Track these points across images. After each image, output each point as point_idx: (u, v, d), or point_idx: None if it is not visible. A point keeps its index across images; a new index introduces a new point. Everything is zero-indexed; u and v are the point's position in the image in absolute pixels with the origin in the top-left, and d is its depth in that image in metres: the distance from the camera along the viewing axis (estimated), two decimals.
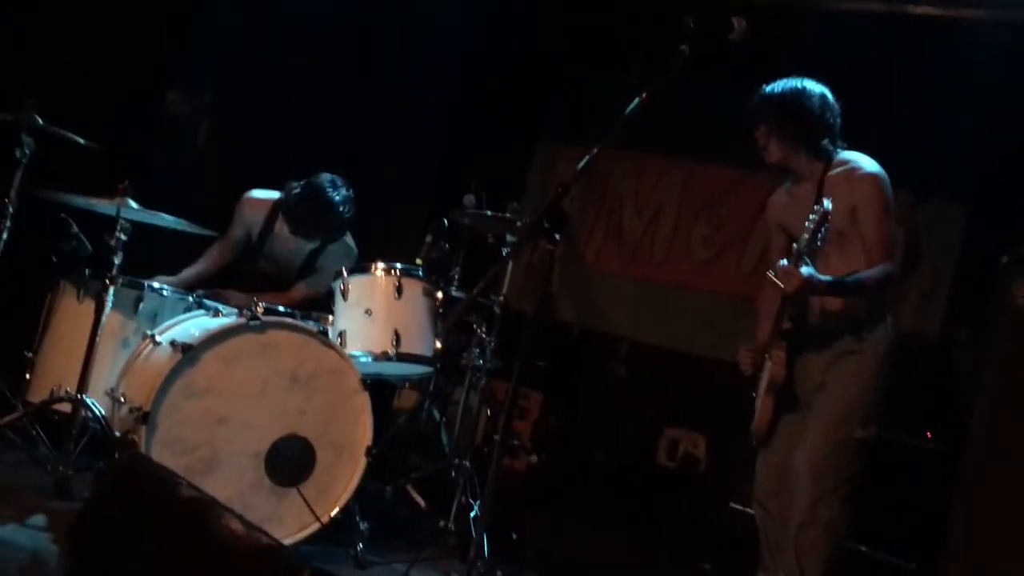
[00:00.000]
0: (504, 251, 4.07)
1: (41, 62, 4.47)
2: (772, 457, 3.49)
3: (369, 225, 5.07)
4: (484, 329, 4.26)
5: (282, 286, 4.44)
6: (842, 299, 3.32)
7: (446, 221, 4.10)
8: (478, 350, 4.19)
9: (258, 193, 4.49)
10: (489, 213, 4.23)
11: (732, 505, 4.84)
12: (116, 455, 3.30)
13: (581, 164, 2.95)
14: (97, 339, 3.59)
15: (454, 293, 4.35)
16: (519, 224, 3.89)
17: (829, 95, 3.41)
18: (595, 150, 2.97)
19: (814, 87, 3.41)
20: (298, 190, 4.21)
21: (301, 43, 5.40)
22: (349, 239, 4.48)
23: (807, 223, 3.10)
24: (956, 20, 4.47)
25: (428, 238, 4.05)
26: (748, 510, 4.06)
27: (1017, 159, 4.69)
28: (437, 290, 3.91)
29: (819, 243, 3.09)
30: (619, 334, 6.55)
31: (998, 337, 4.40)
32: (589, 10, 5.53)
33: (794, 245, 3.18)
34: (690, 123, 6.00)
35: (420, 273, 3.88)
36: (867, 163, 3.35)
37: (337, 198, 4.18)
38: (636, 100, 2.96)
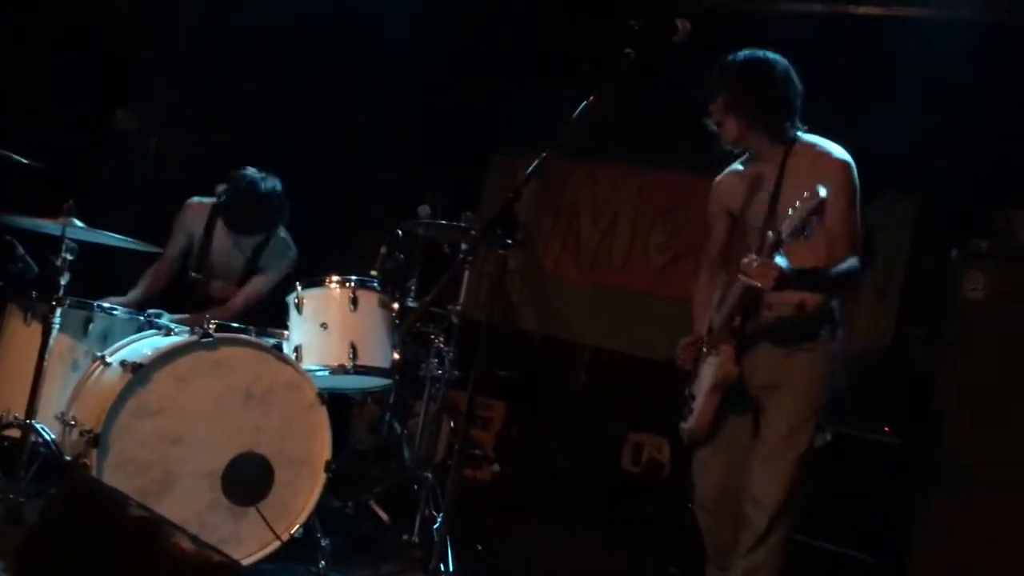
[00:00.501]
0: (460, 260, 4.04)
1: None
2: (715, 459, 3.24)
3: (324, 238, 5.04)
4: (442, 339, 4.23)
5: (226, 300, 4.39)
6: (798, 294, 3.05)
7: (400, 232, 4.07)
8: (436, 360, 4.16)
9: (197, 199, 4.46)
10: (443, 222, 4.21)
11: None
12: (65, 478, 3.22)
13: (531, 168, 2.95)
14: (45, 363, 3.51)
15: (411, 304, 4.32)
16: (472, 231, 3.86)
17: (793, 71, 3.15)
18: (544, 154, 2.98)
19: (778, 59, 3.14)
20: (228, 186, 4.23)
21: (252, 56, 5.36)
22: (285, 234, 4.45)
23: (791, 211, 2.80)
24: (901, 19, 4.52)
25: (383, 249, 4.02)
26: None
27: (964, 153, 4.75)
28: (393, 301, 3.87)
29: (807, 234, 2.80)
30: (580, 341, 6.56)
31: (952, 333, 4.48)
32: (540, 20, 5.54)
33: (768, 234, 2.88)
34: (643, 129, 6.03)
35: (376, 285, 3.85)
36: (836, 149, 3.08)
37: (267, 186, 4.20)
38: (584, 104, 2.96)
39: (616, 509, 5.60)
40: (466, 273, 4.14)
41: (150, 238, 4.00)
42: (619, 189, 6.61)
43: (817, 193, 2.74)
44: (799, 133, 3.14)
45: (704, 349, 3.20)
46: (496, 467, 5.40)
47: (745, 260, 2.89)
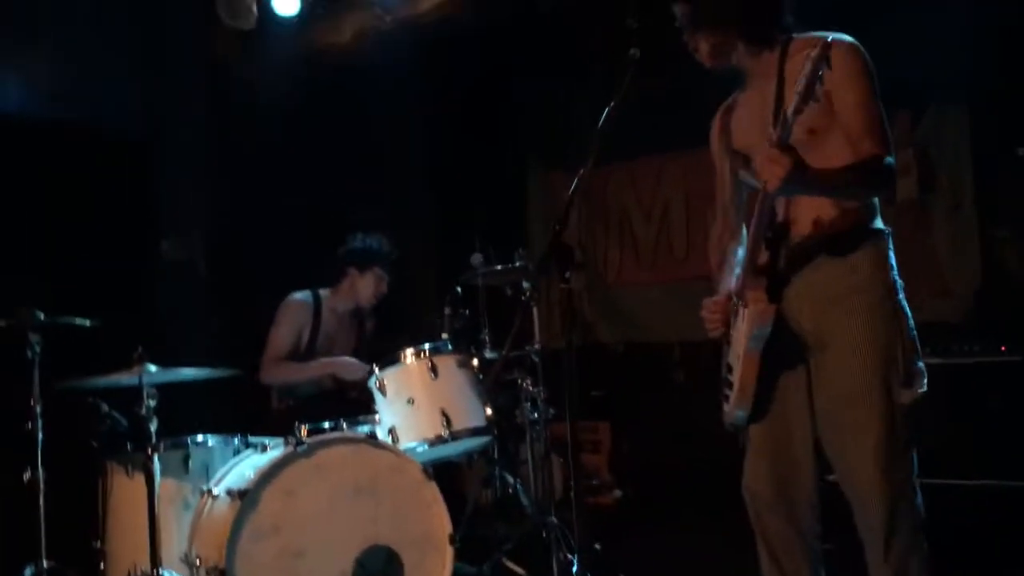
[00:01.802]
0: (523, 299, 3.99)
1: (32, 258, 4.50)
2: (767, 439, 2.62)
3: (386, 313, 5.04)
4: (529, 381, 4.17)
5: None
6: (812, 206, 2.52)
7: (459, 289, 4.05)
8: (529, 404, 4.10)
9: (298, 296, 4.59)
10: (499, 267, 4.17)
11: (828, 478, 4.71)
12: None
13: (571, 189, 2.83)
14: (156, 510, 3.53)
15: (488, 355, 4.27)
16: (529, 270, 3.81)
17: None
18: (581, 171, 2.83)
19: None
20: (355, 244, 4.53)
21: (273, 161, 5.44)
22: None
23: (797, 83, 2.28)
24: None
25: (447, 310, 3.99)
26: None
27: (1011, 54, 4.57)
28: (471, 358, 3.84)
29: (817, 96, 2.26)
30: (664, 341, 6.44)
31: None
32: (546, 34, 5.51)
33: (770, 131, 2.37)
34: (672, 115, 5.92)
35: (449, 347, 3.82)
36: (838, 35, 2.49)
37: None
38: (606, 112, 2.85)
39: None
40: (534, 310, 4.08)
41: (223, 359, 4.04)
42: (663, 180, 6.51)
43: (819, 41, 2.27)
44: (793, 34, 2.62)
45: (734, 305, 2.62)
46: (618, 492, 5.30)
47: (750, 163, 2.43)
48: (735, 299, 2.62)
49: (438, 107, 5.49)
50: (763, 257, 2.54)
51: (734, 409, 2.59)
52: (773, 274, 2.55)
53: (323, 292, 4.60)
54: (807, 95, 2.27)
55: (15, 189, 4.55)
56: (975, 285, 5.19)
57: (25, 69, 4.66)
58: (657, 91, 5.11)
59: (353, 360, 4.35)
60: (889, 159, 2.45)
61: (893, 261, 2.57)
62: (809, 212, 2.54)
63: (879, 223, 2.59)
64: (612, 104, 2.74)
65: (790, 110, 2.29)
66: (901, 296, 2.55)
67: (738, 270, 2.67)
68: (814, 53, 2.27)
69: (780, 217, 2.57)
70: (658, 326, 6.51)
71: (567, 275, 2.72)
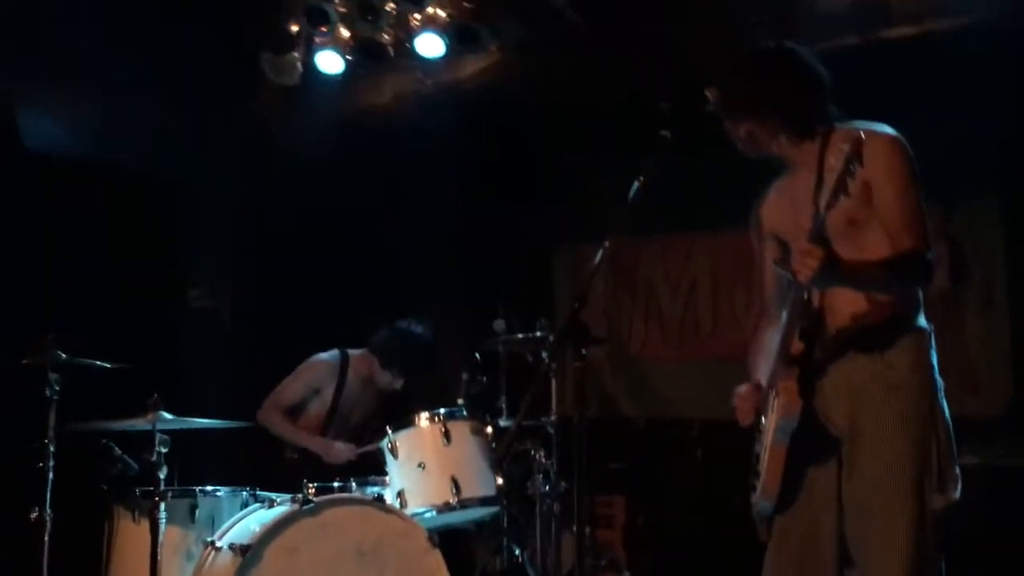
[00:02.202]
0: (541, 369, 3.97)
1: (59, 295, 4.55)
2: (789, 543, 2.55)
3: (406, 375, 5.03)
4: (542, 453, 4.13)
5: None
6: (851, 299, 2.49)
7: (478, 355, 4.04)
8: (541, 476, 4.06)
9: (325, 356, 4.61)
10: (520, 336, 4.16)
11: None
12: None
13: (596, 260, 2.82)
14: (159, 558, 3.51)
15: (503, 423, 4.24)
16: (550, 340, 3.80)
17: (804, 51, 2.67)
18: (606, 243, 2.83)
19: (785, 47, 2.67)
20: (390, 336, 4.50)
21: (304, 216, 5.50)
22: None
23: (828, 177, 2.30)
24: (934, 33, 4.40)
25: (464, 376, 3.98)
26: None
27: None
28: (485, 426, 3.82)
29: (848, 190, 2.27)
30: (686, 417, 6.37)
31: None
32: (578, 110, 5.56)
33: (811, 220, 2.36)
34: (705, 194, 5.94)
35: (464, 413, 3.80)
36: (881, 126, 2.52)
37: (424, 332, 4.53)
38: (635, 186, 2.85)
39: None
40: (552, 381, 4.06)
41: (238, 410, 4.05)
42: (692, 257, 6.49)
43: (852, 134, 2.28)
44: (837, 122, 2.61)
45: (765, 394, 2.59)
46: (627, 574, 5.20)
47: (785, 255, 2.44)
48: (767, 388, 2.58)
49: (472, 172, 5.53)
50: (797, 347, 2.50)
51: (760, 499, 2.55)
52: (806, 365, 2.51)
53: (352, 352, 4.60)
54: (838, 190, 2.28)
55: (47, 225, 4.62)
56: (1008, 383, 5.10)
57: (65, 108, 4.77)
58: (692, 170, 5.16)
59: (342, 446, 4.34)
60: (928, 254, 2.43)
61: (934, 360, 2.52)
62: (847, 304, 2.50)
63: (922, 320, 2.54)
64: (640, 179, 2.78)
65: (822, 204, 2.30)
66: (940, 396, 2.50)
67: (773, 358, 2.62)
68: (846, 149, 2.27)
69: (816, 305, 2.54)
70: (680, 402, 6.44)
71: (583, 352, 2.70)
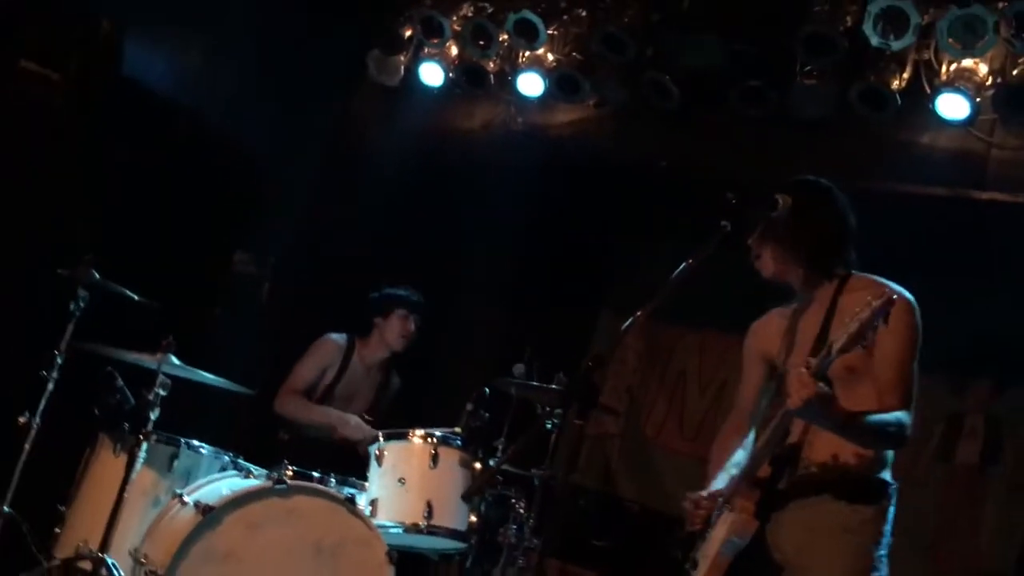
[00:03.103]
0: (549, 424, 3.92)
1: (109, 220, 4.64)
2: None
3: (422, 388, 5.03)
4: (523, 505, 4.07)
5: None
6: (831, 445, 2.60)
7: (487, 389, 4.00)
8: (515, 527, 4.00)
9: (335, 336, 4.67)
10: (534, 384, 4.13)
11: None
12: None
13: (625, 325, 2.74)
14: (125, 496, 3.53)
15: (493, 464, 4.19)
16: (550, 399, 3.76)
17: (841, 197, 2.81)
18: (639, 313, 2.78)
19: (822, 184, 2.81)
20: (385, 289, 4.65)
21: (366, 211, 5.55)
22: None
23: (850, 323, 2.37)
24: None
25: (468, 406, 3.94)
26: None
27: None
28: (475, 461, 3.78)
29: (865, 343, 2.37)
30: (680, 515, 6.25)
31: None
32: (654, 185, 5.57)
33: (809, 359, 2.46)
34: (753, 303, 5.88)
35: (458, 443, 3.77)
36: (895, 286, 2.63)
37: None
38: (681, 267, 2.82)
39: None
40: (553, 437, 4.00)
41: (249, 380, 4.07)
42: (728, 360, 6.39)
43: (886, 292, 2.38)
44: (853, 271, 2.77)
45: (719, 505, 2.72)
46: None
47: (790, 371, 2.50)
48: (721, 501, 2.71)
49: (538, 217, 5.55)
50: (765, 471, 2.63)
51: None
52: (769, 490, 2.64)
53: (359, 338, 4.67)
54: (857, 339, 2.36)
55: (121, 151, 4.71)
56: (1008, 571, 4.93)
57: (169, 47, 4.90)
58: (744, 272, 5.11)
59: (359, 422, 4.37)
60: (906, 419, 2.57)
61: (891, 516, 2.66)
62: (828, 445, 2.61)
63: (887, 474, 2.69)
64: (689, 261, 2.73)
65: (836, 346, 2.38)
66: (884, 552, 2.64)
67: (734, 472, 2.78)
68: (876, 303, 2.35)
69: (795, 439, 2.66)
70: (678, 498, 6.32)
71: (586, 413, 2.67)
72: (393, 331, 4.61)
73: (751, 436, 2.89)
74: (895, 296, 2.39)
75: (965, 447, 5.22)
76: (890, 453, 2.70)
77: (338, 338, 4.66)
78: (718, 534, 2.65)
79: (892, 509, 2.67)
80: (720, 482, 2.81)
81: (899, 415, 2.56)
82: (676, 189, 5.33)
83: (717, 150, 4.93)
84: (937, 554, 5.04)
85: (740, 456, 2.84)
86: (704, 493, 2.81)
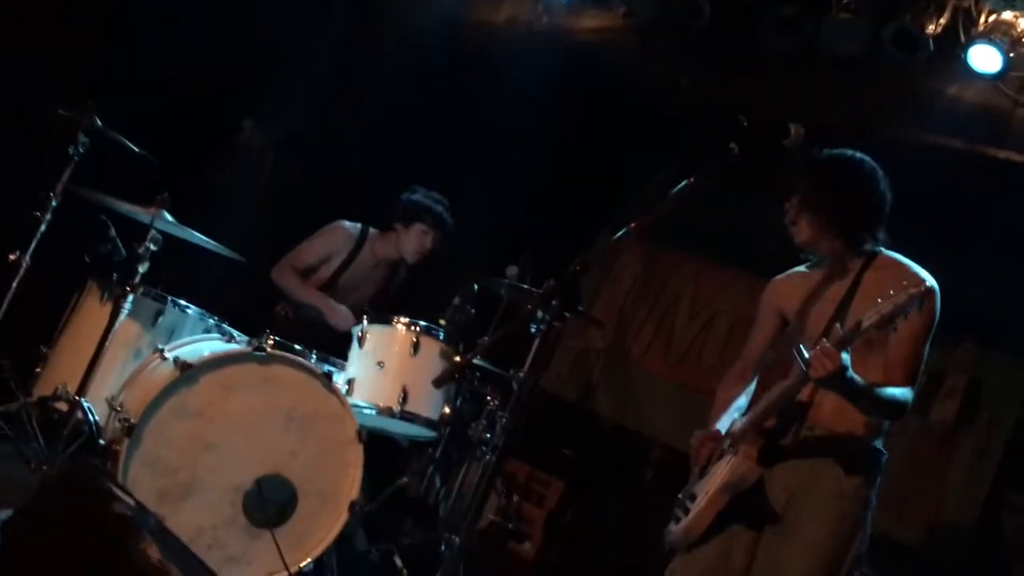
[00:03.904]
0: (533, 327, 3.94)
1: (118, 70, 4.57)
2: (694, 569, 2.83)
3: (414, 278, 5.02)
4: (498, 403, 4.12)
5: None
6: (844, 418, 2.74)
7: (476, 286, 4.01)
8: (486, 423, 4.05)
9: (348, 224, 4.58)
10: (522, 287, 4.13)
11: None
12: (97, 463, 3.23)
13: (618, 234, 2.78)
14: (107, 344, 3.56)
15: (476, 361, 4.22)
16: (536, 296, 3.75)
17: (883, 179, 2.87)
18: (633, 224, 2.80)
19: (868, 163, 2.87)
20: (412, 194, 4.53)
21: (381, 97, 5.47)
22: None
23: (881, 300, 2.47)
24: None
25: (456, 300, 3.94)
26: None
27: None
28: (456, 354, 3.79)
29: (895, 326, 2.48)
30: (654, 437, 6.33)
31: None
32: (669, 105, 5.48)
33: (836, 327, 2.59)
34: (757, 239, 5.85)
35: (441, 335, 3.78)
36: (923, 272, 2.75)
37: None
38: (684, 183, 2.78)
39: None
40: (536, 342, 4.02)
41: (242, 246, 4.07)
42: (723, 291, 6.40)
43: (923, 282, 2.49)
44: (881, 248, 2.86)
45: (724, 447, 2.83)
46: (527, 545, 5.21)
47: (815, 344, 2.57)
48: (727, 442, 2.82)
49: (548, 118, 5.47)
50: (772, 422, 2.77)
51: (681, 534, 2.85)
52: (772, 442, 2.76)
53: (372, 231, 4.57)
54: (888, 322, 2.46)
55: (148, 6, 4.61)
56: (967, 534, 5.01)
57: None
58: (752, 207, 5.06)
59: (348, 314, 4.29)
60: (910, 395, 2.69)
61: (879, 481, 2.81)
62: (836, 410, 2.74)
63: (881, 443, 2.83)
64: (691, 180, 2.74)
65: (866, 324, 2.47)
66: (870, 514, 2.79)
67: (736, 415, 2.91)
68: (914, 291, 2.44)
69: (804, 398, 2.77)
70: (654, 420, 6.39)
71: (565, 315, 2.68)
72: (410, 243, 4.49)
73: (753, 384, 3.01)
74: (928, 286, 2.48)
75: (942, 405, 5.25)
76: (886, 423, 2.81)
77: (351, 227, 4.55)
78: (720, 474, 2.76)
79: (880, 475, 2.81)
80: (723, 423, 2.92)
81: (905, 391, 2.68)
82: (693, 112, 5.25)
83: (740, 76, 4.83)
84: (903, 506, 5.13)
85: (743, 401, 2.95)
86: (710, 433, 2.92)
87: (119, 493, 2.25)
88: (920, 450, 5.20)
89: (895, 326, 2.47)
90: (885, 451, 2.84)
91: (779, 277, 3.10)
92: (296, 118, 5.52)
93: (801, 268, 3.02)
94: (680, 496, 2.95)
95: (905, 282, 2.48)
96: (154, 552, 1.85)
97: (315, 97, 5.51)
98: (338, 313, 4.31)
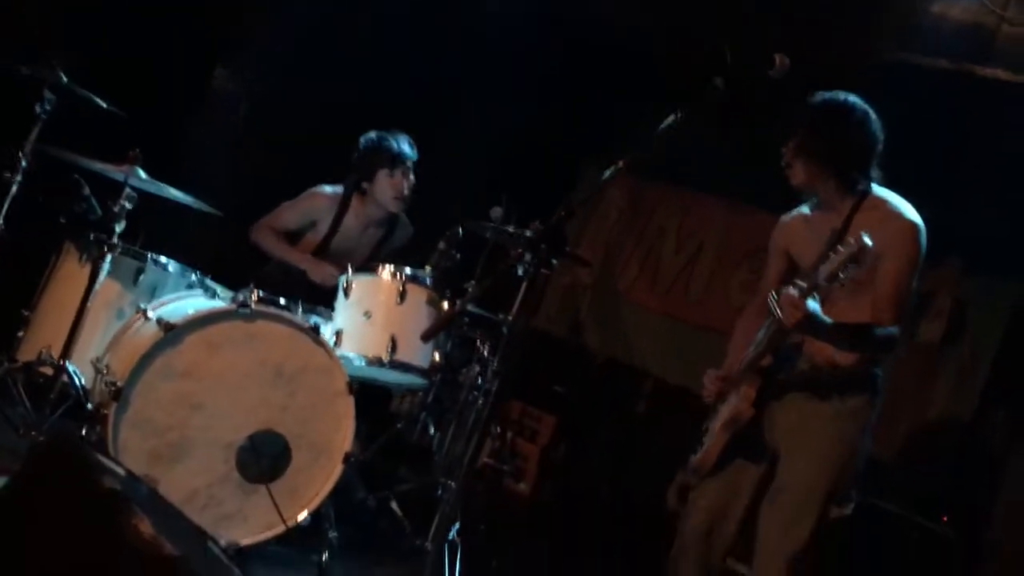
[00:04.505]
0: (520, 269, 3.90)
1: (82, 22, 4.42)
2: (708, 498, 3.11)
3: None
4: (488, 348, 4.10)
5: None
6: (837, 351, 2.93)
7: (461, 230, 3.95)
8: (478, 368, 4.03)
9: (329, 189, 4.39)
10: (508, 229, 4.08)
11: (728, 562, 4.65)
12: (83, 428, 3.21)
13: (606, 174, 2.73)
14: (88, 306, 3.51)
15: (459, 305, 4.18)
16: (522, 239, 3.72)
17: (875, 120, 2.99)
18: (622, 163, 2.74)
19: (859, 107, 2.98)
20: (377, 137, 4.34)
21: (357, 40, 5.33)
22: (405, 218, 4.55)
23: (832, 254, 2.67)
24: None
25: (441, 245, 3.88)
26: (741, 568, 3.87)
27: None
28: (443, 300, 3.75)
29: (842, 281, 2.67)
30: (644, 370, 6.36)
31: None
32: (659, 41, 5.37)
33: (808, 275, 2.77)
34: (742, 165, 5.80)
35: (427, 281, 3.73)
36: (908, 210, 2.94)
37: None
38: (670, 119, 2.74)
39: (653, 547, 5.39)
40: (524, 285, 3.98)
41: (220, 199, 3.99)
42: (708, 221, 6.38)
43: (860, 240, 2.62)
44: (874, 186, 2.99)
45: (729, 387, 3.06)
46: (522, 485, 5.25)
47: (782, 290, 2.77)
48: (734, 381, 3.04)
49: (537, 58, 5.35)
50: (767, 360, 2.96)
51: (696, 466, 3.10)
52: (769, 378, 2.98)
53: (355, 196, 4.38)
54: (832, 277, 2.64)
55: None
56: (952, 453, 5.08)
57: None
58: (737, 140, 5.01)
59: (333, 271, 4.11)
60: (895, 331, 2.86)
61: (877, 403, 2.99)
62: (830, 353, 2.94)
63: (878, 368, 2.99)
64: (677, 115, 2.72)
65: (820, 278, 2.66)
66: (868, 433, 3.00)
67: (751, 352, 3.05)
68: (850, 249, 2.60)
69: (798, 337, 2.96)
70: (643, 353, 6.42)
71: (552, 262, 2.65)
72: (384, 193, 4.30)
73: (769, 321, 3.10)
74: (864, 246, 2.60)
75: (929, 326, 5.28)
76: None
77: (332, 192, 4.37)
78: (723, 413, 3.01)
79: (878, 398, 2.99)
80: (736, 362, 3.13)
81: (888, 330, 2.84)
82: (676, 53, 5.16)
83: (722, 6, 4.74)
84: (889, 427, 5.18)
85: (760, 336, 3.07)
86: (719, 372, 3.14)
87: (108, 464, 2.21)
88: (907, 372, 5.24)
89: (843, 279, 2.63)
90: (881, 376, 2.99)
91: (785, 217, 3.25)
92: (270, 65, 5.38)
93: (804, 209, 3.17)
94: (703, 427, 3.15)
95: (852, 239, 2.63)
96: (146, 527, 1.82)
97: (289, 43, 5.36)
98: (321, 269, 4.18)
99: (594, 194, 2.85)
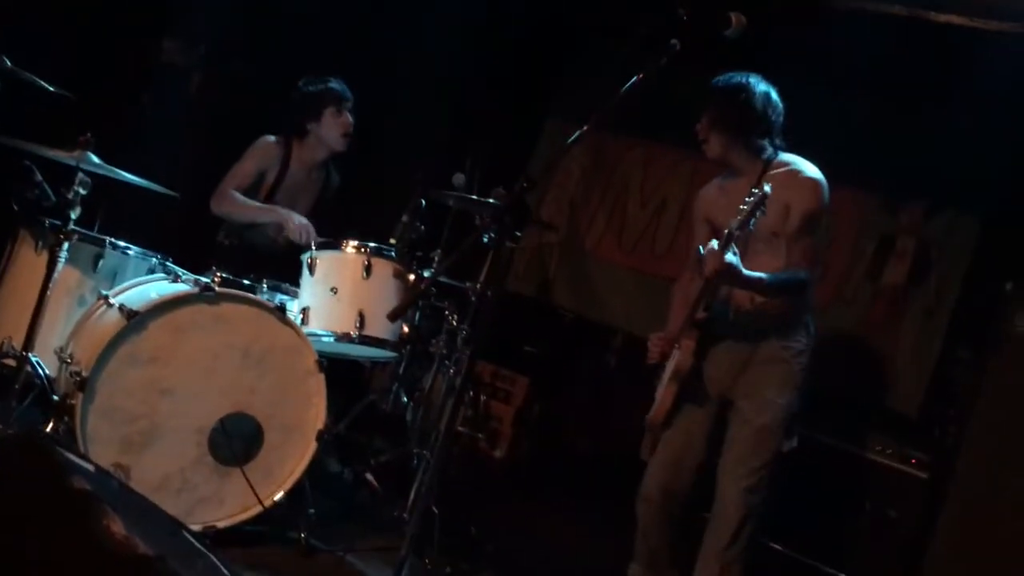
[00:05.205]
0: (486, 237, 3.88)
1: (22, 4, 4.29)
2: (666, 450, 3.39)
3: (359, 196, 4.90)
4: (456, 317, 4.08)
5: None
6: (767, 298, 3.25)
7: (424, 201, 3.91)
8: (447, 336, 4.02)
9: (272, 138, 4.39)
10: (472, 197, 4.05)
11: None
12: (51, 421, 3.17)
13: (571, 139, 2.81)
14: (48, 294, 3.44)
15: (428, 276, 4.16)
16: (486, 214, 3.71)
17: (774, 93, 3.34)
18: (586, 127, 2.81)
19: (758, 83, 3.33)
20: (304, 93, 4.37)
21: (306, 4, 5.21)
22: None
23: (741, 206, 3.00)
24: (982, 31, 4.22)
25: (404, 217, 3.85)
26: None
27: None
28: (409, 273, 3.73)
29: (751, 228, 3.00)
30: (613, 325, 6.38)
31: (995, 363, 4.23)
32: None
33: (725, 230, 3.06)
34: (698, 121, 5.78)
35: (392, 254, 3.71)
36: (809, 168, 3.29)
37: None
38: (629, 83, 2.77)
39: (629, 498, 5.45)
40: (490, 253, 3.97)
41: (178, 180, 3.91)
42: (672, 175, 6.37)
43: (762, 188, 2.97)
44: (779, 151, 3.35)
45: (672, 345, 3.35)
46: (498, 452, 5.27)
47: (705, 246, 3.06)
48: (675, 339, 3.32)
49: (489, 18, 5.27)
50: (701, 315, 3.25)
51: (651, 421, 3.38)
52: (705, 330, 3.28)
53: (295, 142, 4.39)
54: (743, 225, 2.99)
55: None
56: (918, 391, 5.15)
57: None
58: (697, 91, 4.99)
59: (305, 221, 4.10)
60: (804, 275, 3.24)
61: (811, 347, 3.36)
62: (747, 296, 3.29)
63: (809, 317, 3.38)
64: (637, 78, 2.79)
65: (732, 228, 3.00)
66: (806, 374, 3.35)
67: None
68: (753, 200, 2.98)
69: (727, 290, 3.31)
70: (612, 308, 6.43)
71: (517, 234, 2.66)
72: (331, 131, 4.32)
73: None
74: (765, 193, 2.97)
75: (893, 267, 5.33)
76: (808, 299, 3.36)
77: (276, 140, 4.38)
78: (668, 369, 3.30)
79: (813, 339, 3.36)
80: (676, 325, 3.38)
81: (799, 275, 3.22)
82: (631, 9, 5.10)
83: None
84: (858, 367, 5.24)
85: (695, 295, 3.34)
86: (662, 334, 3.43)
87: (77, 462, 2.18)
88: (873, 315, 5.30)
89: (751, 226, 2.98)
90: (811, 319, 3.38)
91: (703, 189, 3.61)
92: (218, 32, 5.26)
93: (719, 180, 3.53)
94: (655, 384, 3.43)
95: (755, 189, 2.99)
96: (118, 527, 1.80)
97: (238, 9, 5.24)
98: (291, 220, 4.10)
99: (557, 160, 2.86)
